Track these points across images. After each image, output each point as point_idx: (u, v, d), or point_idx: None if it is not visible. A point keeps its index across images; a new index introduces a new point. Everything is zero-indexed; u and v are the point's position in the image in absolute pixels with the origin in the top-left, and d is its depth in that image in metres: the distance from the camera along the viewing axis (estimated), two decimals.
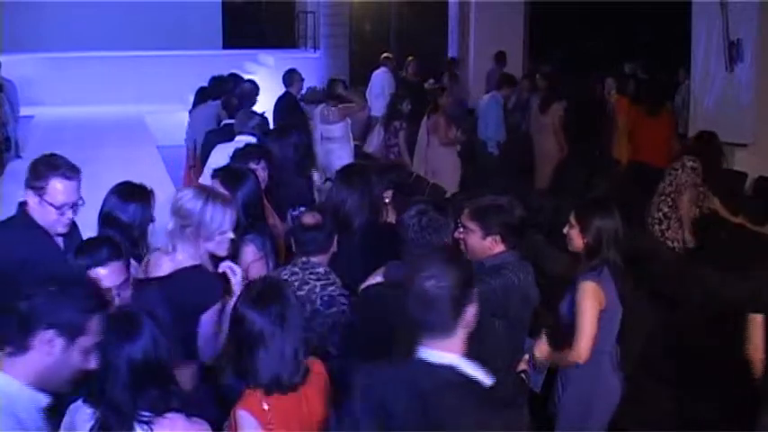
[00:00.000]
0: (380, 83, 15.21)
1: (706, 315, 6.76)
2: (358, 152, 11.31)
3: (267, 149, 6.26)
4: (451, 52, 17.63)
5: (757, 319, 4.64)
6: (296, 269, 4.57)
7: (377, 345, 4.05)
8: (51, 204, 4.42)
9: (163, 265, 4.23)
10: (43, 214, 4.45)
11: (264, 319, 3.42)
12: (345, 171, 5.80)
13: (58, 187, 4.42)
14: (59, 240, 4.58)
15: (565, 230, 4.91)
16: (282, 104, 11.23)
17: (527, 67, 16.47)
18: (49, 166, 4.46)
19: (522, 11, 16.87)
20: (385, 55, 15.86)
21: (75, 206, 4.51)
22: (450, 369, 2.92)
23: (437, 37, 18.30)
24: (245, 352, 3.45)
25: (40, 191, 4.43)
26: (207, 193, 4.26)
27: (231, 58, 19.02)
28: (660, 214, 8.19)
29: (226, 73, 11.40)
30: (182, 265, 4.17)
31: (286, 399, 3.45)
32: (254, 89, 9.97)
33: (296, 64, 13.94)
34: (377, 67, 15.54)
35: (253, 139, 7.13)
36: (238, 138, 7.25)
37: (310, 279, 4.53)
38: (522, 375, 4.68)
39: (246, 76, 11.62)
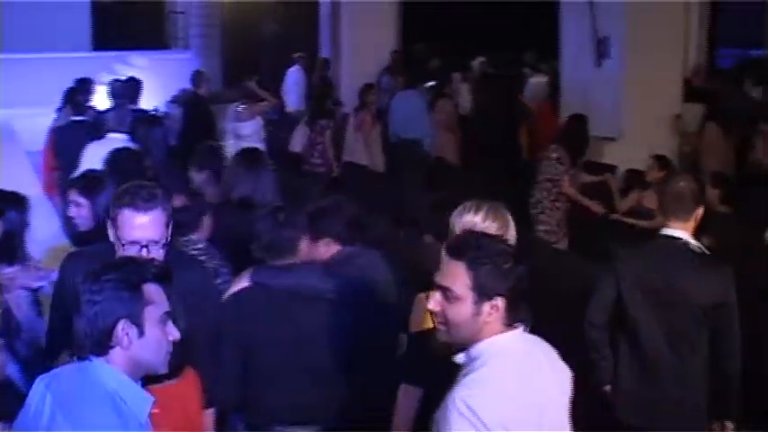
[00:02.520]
0: (293, 81, 15.53)
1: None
2: (283, 151, 11.40)
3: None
4: (324, 52, 17.62)
5: None
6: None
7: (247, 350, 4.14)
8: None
9: None
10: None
11: None
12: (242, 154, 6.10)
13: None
14: None
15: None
16: (190, 105, 11.23)
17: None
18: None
19: (394, 9, 16.92)
20: (298, 54, 16.08)
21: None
22: None
23: (311, 36, 18.25)
24: None
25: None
26: None
27: (101, 60, 18.61)
28: (533, 200, 8.93)
29: (95, 75, 11.26)
30: None
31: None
32: (127, 87, 9.90)
33: (168, 65, 13.79)
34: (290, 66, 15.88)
35: (124, 137, 7.21)
36: (110, 135, 7.27)
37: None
38: None
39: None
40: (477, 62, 16.13)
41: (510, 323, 2.96)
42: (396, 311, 4.61)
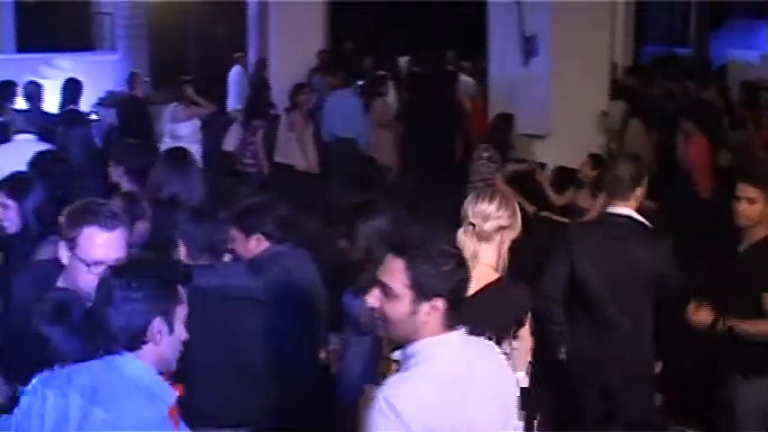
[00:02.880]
0: (233, 81, 15.70)
1: None
2: (217, 151, 11.40)
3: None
4: (252, 53, 17.54)
5: None
6: None
7: None
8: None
9: None
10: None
11: None
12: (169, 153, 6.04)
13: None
14: None
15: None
16: (125, 107, 11.17)
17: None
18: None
19: (321, 9, 16.86)
20: (238, 54, 16.19)
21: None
22: None
23: (238, 38, 18.12)
24: None
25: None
26: None
27: (25, 62, 18.26)
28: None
29: (19, 77, 11.13)
30: None
31: None
32: (37, 90, 10.06)
33: (94, 67, 13.58)
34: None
35: (32, 137, 7.28)
36: (18, 137, 7.36)
37: None
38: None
39: (43, 81, 11.32)
40: (403, 61, 16.22)
41: (450, 325, 2.91)
42: (322, 311, 4.62)
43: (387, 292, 2.91)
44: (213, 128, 12.56)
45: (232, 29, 18.71)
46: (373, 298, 2.99)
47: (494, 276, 4.25)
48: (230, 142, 11.73)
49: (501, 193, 4.41)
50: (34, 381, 2.91)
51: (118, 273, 2.86)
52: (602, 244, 5.11)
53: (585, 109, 11.04)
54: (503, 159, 9.09)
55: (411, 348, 2.91)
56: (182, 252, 4.33)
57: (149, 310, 2.81)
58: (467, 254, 3.73)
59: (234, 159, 11.37)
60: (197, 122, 10.89)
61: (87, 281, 3.38)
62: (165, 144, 10.08)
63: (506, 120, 9.50)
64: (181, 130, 10.61)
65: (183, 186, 5.57)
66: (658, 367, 5.27)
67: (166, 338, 2.86)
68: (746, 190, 5.10)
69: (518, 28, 11.19)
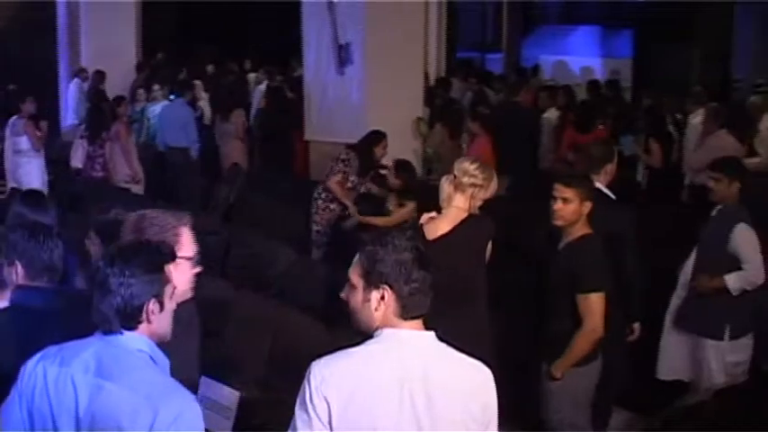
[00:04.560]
0: (71, 95, 15.79)
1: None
2: (65, 167, 11.46)
3: None
4: (62, 57, 17.07)
5: None
6: None
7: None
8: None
9: None
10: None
11: None
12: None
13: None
14: None
15: None
16: None
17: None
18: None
19: (133, 10, 16.53)
20: (79, 66, 16.04)
21: None
22: None
23: (49, 41, 17.50)
24: None
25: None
26: None
27: None
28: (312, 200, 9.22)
29: None
30: None
31: None
32: None
33: None
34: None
35: None
36: None
37: None
38: None
39: None
40: (210, 68, 16.36)
41: (405, 317, 3.01)
42: None
43: (349, 284, 3.08)
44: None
45: (40, 32, 17.97)
46: (342, 292, 3.13)
47: (464, 215, 5.49)
48: (76, 157, 11.68)
49: (483, 161, 5.87)
50: (31, 360, 3.12)
51: (111, 261, 3.06)
52: None
53: (400, 115, 11.16)
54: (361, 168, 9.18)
55: (371, 338, 3.04)
56: (18, 274, 4.11)
57: (143, 293, 3.04)
58: (443, 196, 5.51)
59: (82, 173, 11.43)
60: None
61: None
62: (7, 159, 10.45)
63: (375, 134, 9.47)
64: (21, 144, 10.72)
65: None
66: (636, 330, 6.07)
67: (158, 316, 3.09)
68: (561, 190, 5.27)
69: (332, 36, 11.19)
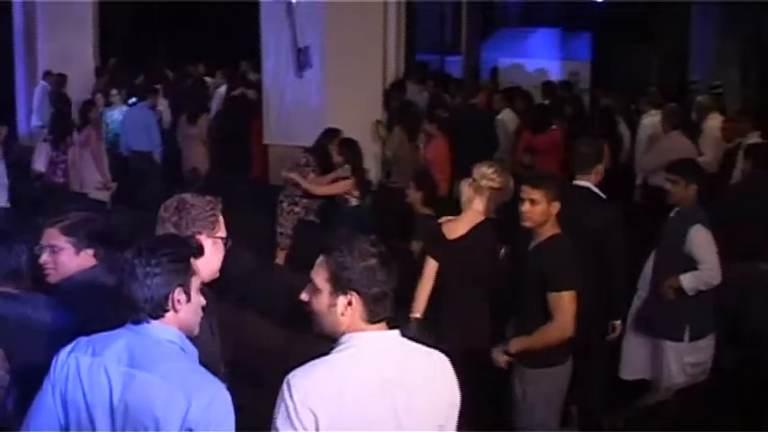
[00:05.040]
0: (38, 98, 15.66)
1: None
2: (28, 170, 11.26)
3: None
4: (18, 59, 16.97)
5: None
6: None
7: None
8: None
9: None
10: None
11: None
12: None
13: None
14: None
15: None
16: None
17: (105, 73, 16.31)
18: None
19: (90, 12, 16.40)
20: (46, 70, 15.82)
21: None
22: None
23: (4, 44, 17.33)
24: None
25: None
26: None
27: None
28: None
29: None
30: None
31: None
32: None
33: None
34: None
35: None
36: None
37: None
38: None
39: None
40: (170, 74, 16.34)
41: (372, 321, 3.05)
42: None
43: (313, 286, 3.09)
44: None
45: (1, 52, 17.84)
46: (304, 293, 3.15)
47: (482, 218, 5.83)
48: (39, 161, 11.45)
49: (501, 165, 6.22)
50: (63, 351, 3.20)
51: (139, 253, 3.17)
52: (566, 207, 5.61)
53: (359, 118, 11.12)
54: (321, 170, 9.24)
55: (338, 342, 3.07)
56: None
57: (169, 282, 3.16)
58: (463, 199, 5.99)
59: (44, 178, 11.25)
60: None
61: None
62: None
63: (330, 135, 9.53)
64: None
65: None
66: (618, 327, 6.26)
67: (185, 306, 3.20)
68: (528, 191, 5.31)
69: (291, 39, 11.14)
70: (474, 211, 5.83)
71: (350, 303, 3.03)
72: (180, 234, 3.67)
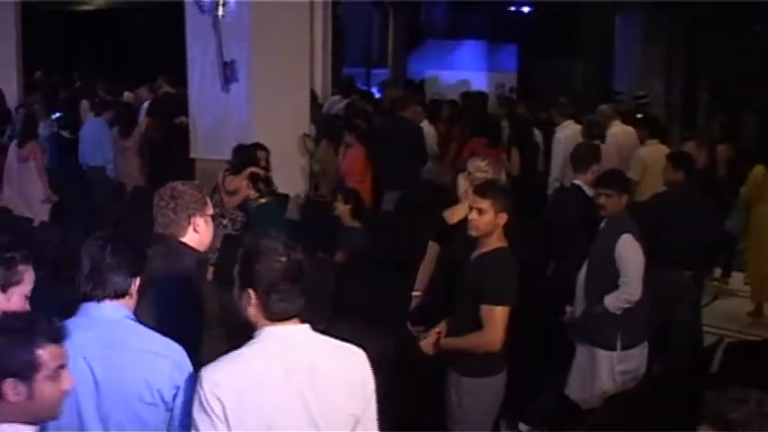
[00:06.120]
0: None
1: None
2: None
3: None
4: None
5: None
6: None
7: None
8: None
9: None
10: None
11: None
12: None
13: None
14: None
15: None
16: None
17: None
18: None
19: (12, 15, 16.08)
20: None
21: None
22: None
23: None
24: None
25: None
26: None
27: None
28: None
29: None
30: None
31: None
32: None
33: None
34: None
35: None
36: None
37: None
38: None
39: None
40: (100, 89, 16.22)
41: (275, 318, 3.18)
42: None
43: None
44: None
45: None
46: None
47: None
48: None
49: (493, 159, 6.70)
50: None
51: (104, 244, 3.55)
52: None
53: (286, 132, 11.08)
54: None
55: (253, 336, 3.23)
56: None
57: (131, 272, 3.56)
58: (460, 191, 6.25)
59: None
60: None
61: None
62: None
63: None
64: None
65: None
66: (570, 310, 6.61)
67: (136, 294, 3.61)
68: (477, 201, 5.27)
69: (217, 53, 11.04)
70: None
71: (250, 298, 3.19)
72: (177, 216, 4.28)
